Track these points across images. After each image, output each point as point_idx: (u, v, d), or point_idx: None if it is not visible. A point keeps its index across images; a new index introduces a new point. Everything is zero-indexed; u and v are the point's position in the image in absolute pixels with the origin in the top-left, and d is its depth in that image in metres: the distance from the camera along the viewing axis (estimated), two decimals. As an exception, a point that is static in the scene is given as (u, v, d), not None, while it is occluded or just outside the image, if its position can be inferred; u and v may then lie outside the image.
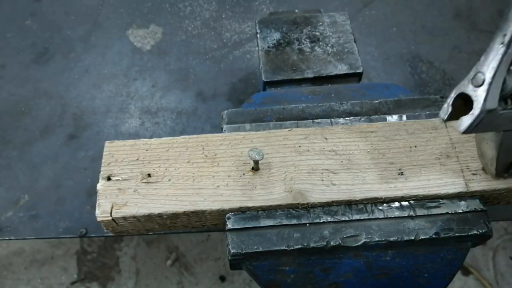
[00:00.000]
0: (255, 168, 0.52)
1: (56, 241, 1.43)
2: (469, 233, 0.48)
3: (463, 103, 0.42)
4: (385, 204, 0.51)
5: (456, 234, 0.48)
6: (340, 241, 0.48)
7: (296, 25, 0.76)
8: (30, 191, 0.82)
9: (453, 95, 0.42)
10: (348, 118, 0.59)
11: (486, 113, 0.40)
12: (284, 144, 0.54)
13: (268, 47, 0.73)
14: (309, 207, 0.50)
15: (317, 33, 0.75)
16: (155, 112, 0.92)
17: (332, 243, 0.48)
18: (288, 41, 0.74)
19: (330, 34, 0.74)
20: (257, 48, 0.76)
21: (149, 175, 0.52)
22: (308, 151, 0.54)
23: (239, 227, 0.49)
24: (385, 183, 0.51)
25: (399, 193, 0.50)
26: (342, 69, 0.70)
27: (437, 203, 0.50)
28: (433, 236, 0.48)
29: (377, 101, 0.61)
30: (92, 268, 1.42)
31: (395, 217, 0.50)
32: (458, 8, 1.09)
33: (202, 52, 1.01)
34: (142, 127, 0.90)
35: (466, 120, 0.41)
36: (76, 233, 0.76)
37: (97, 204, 0.50)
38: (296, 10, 0.84)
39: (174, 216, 0.50)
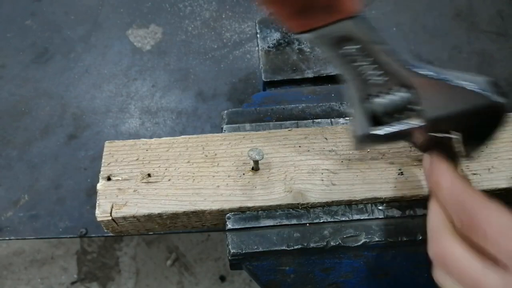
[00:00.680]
0: (255, 168, 0.52)
1: (56, 241, 1.43)
2: (469, 233, 0.48)
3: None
4: (385, 204, 0.51)
5: (456, 234, 0.48)
6: (340, 241, 0.48)
7: (296, 25, 0.76)
8: (30, 191, 0.82)
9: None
10: (348, 118, 0.59)
11: (360, 138, 0.44)
12: (284, 144, 0.54)
13: (268, 47, 0.73)
14: (309, 207, 0.50)
15: (317, 33, 0.75)
16: (155, 112, 0.92)
17: (332, 243, 0.48)
18: (288, 41, 0.74)
19: (330, 34, 0.74)
20: (257, 48, 0.76)
21: (149, 175, 0.52)
22: (308, 151, 0.54)
23: (239, 227, 0.49)
24: (385, 183, 0.51)
25: (399, 193, 0.50)
26: (342, 69, 0.70)
27: (437, 203, 0.50)
28: (433, 236, 0.48)
29: (377, 101, 0.61)
30: (92, 268, 1.42)
31: (395, 217, 0.50)
32: (458, 8, 1.09)
33: (202, 52, 1.01)
34: (142, 127, 0.90)
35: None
36: (76, 233, 0.76)
37: (97, 204, 0.50)
38: (296, 10, 0.84)
39: (174, 216, 0.50)
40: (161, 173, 0.52)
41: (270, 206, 0.50)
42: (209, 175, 0.52)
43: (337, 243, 0.48)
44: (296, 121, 0.59)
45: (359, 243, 0.49)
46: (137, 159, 0.53)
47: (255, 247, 0.48)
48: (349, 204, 0.51)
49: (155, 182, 0.51)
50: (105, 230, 0.52)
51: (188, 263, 1.40)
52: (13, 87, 0.96)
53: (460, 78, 0.40)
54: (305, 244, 0.48)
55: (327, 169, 0.52)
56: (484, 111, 0.40)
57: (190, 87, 0.95)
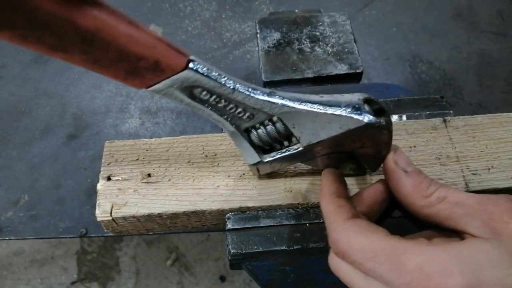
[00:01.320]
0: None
1: (56, 241, 1.43)
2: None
3: None
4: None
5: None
6: (340, 241, 0.48)
7: (296, 25, 0.76)
8: (30, 191, 0.82)
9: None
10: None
11: (252, 167, 0.47)
12: (284, 144, 0.54)
13: (268, 47, 0.73)
14: (309, 207, 0.50)
15: (317, 33, 0.75)
16: (155, 112, 0.92)
17: (332, 243, 0.48)
18: (288, 41, 0.74)
19: (330, 34, 0.75)
20: (257, 48, 0.76)
21: (149, 175, 0.52)
22: (308, 151, 0.54)
23: (239, 227, 0.49)
24: (385, 183, 0.51)
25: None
26: (342, 69, 0.70)
27: (437, 203, 0.50)
28: (433, 236, 0.48)
29: (377, 101, 0.61)
30: (92, 268, 1.42)
31: (395, 217, 0.50)
32: (458, 8, 1.10)
33: (202, 52, 1.01)
34: (142, 127, 0.90)
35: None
36: (76, 233, 0.76)
37: (97, 204, 0.50)
38: (296, 10, 0.84)
39: (174, 216, 0.50)
40: (161, 173, 0.52)
41: (270, 206, 0.50)
42: (209, 175, 0.52)
43: (337, 243, 0.48)
44: (296, 121, 0.59)
45: (359, 243, 0.48)
46: (137, 159, 0.53)
47: (255, 247, 0.48)
48: (349, 204, 0.51)
49: (155, 182, 0.51)
50: (105, 230, 0.52)
51: (188, 263, 1.40)
52: (13, 87, 0.96)
53: (331, 102, 0.40)
54: (305, 244, 0.48)
55: (327, 169, 0.52)
56: (358, 132, 0.40)
57: (190, 87, 0.95)
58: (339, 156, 0.44)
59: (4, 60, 1.00)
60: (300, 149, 0.44)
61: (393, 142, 0.44)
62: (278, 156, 0.45)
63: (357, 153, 0.43)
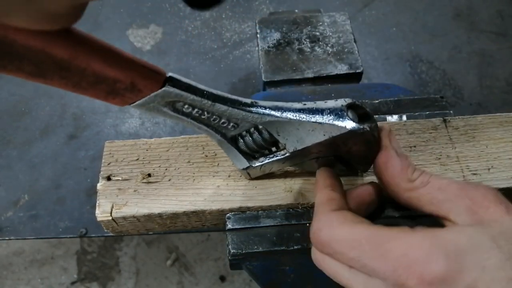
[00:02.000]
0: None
1: (56, 241, 1.43)
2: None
3: None
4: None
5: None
6: (340, 241, 0.48)
7: (296, 25, 0.76)
8: (30, 191, 0.82)
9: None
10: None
11: (243, 171, 0.48)
12: (284, 144, 0.54)
13: (268, 47, 0.73)
14: (309, 207, 0.50)
15: (317, 33, 0.75)
16: (155, 112, 0.92)
17: (332, 243, 0.48)
18: (288, 41, 0.74)
19: (330, 34, 0.75)
20: (257, 48, 0.76)
21: (149, 175, 0.52)
22: (308, 151, 0.54)
23: (239, 227, 0.49)
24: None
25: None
26: (342, 69, 0.70)
27: (437, 203, 0.50)
28: (433, 236, 0.48)
29: (377, 101, 0.61)
30: (92, 268, 1.42)
31: (395, 217, 0.50)
32: (458, 8, 1.10)
33: (202, 52, 1.01)
34: (142, 127, 0.90)
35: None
36: (76, 233, 0.76)
37: (97, 204, 0.50)
38: (296, 10, 0.84)
39: (174, 216, 0.50)
40: (161, 173, 0.52)
41: (270, 206, 0.50)
42: (209, 175, 0.52)
43: (337, 243, 0.48)
44: (296, 121, 0.59)
45: (359, 243, 0.48)
46: (137, 159, 0.53)
47: (255, 247, 0.48)
48: (349, 204, 0.51)
49: (155, 182, 0.51)
50: (105, 230, 0.52)
51: (188, 263, 1.40)
52: (13, 87, 0.96)
53: (314, 110, 0.40)
54: (305, 244, 0.48)
55: (327, 169, 0.52)
56: (343, 138, 0.40)
57: (190, 87, 0.95)
58: (328, 159, 0.45)
59: (4, 60, 1.00)
60: (287, 154, 0.44)
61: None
62: (267, 161, 0.46)
63: (345, 157, 0.44)
